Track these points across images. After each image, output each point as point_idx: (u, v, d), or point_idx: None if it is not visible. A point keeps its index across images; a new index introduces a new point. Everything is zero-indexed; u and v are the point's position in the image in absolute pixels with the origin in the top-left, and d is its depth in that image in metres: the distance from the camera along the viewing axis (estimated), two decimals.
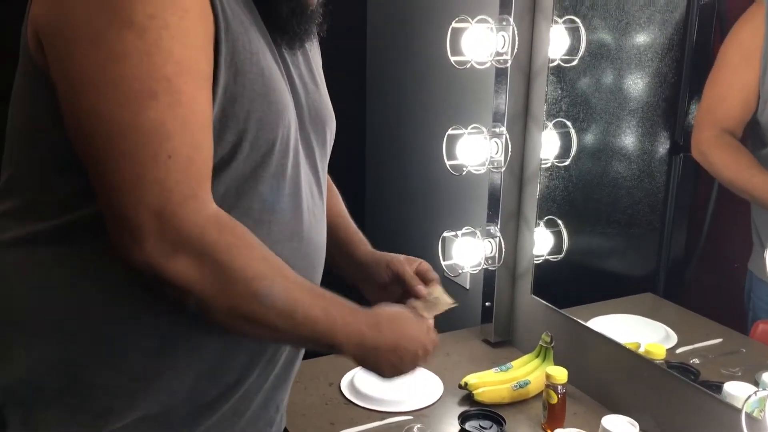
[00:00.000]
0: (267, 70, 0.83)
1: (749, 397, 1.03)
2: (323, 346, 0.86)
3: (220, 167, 0.80)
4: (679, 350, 1.39)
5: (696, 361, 1.35)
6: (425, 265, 1.16)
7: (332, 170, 2.31)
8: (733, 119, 1.31)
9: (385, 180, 2.21)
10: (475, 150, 1.53)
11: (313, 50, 1.02)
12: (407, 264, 1.14)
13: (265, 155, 0.84)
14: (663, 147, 1.54)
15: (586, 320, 1.48)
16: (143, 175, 0.72)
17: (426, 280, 1.13)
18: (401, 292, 1.12)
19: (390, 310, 0.95)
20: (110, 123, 0.72)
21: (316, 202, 0.95)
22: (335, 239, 1.13)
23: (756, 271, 1.30)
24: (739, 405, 1.17)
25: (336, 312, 0.85)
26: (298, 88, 0.92)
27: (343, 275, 1.17)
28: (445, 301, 1.10)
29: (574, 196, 1.60)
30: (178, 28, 0.73)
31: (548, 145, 1.52)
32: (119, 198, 0.73)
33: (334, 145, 2.16)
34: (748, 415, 1.03)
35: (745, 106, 1.28)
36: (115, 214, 0.74)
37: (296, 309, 0.81)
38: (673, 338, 1.43)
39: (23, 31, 0.82)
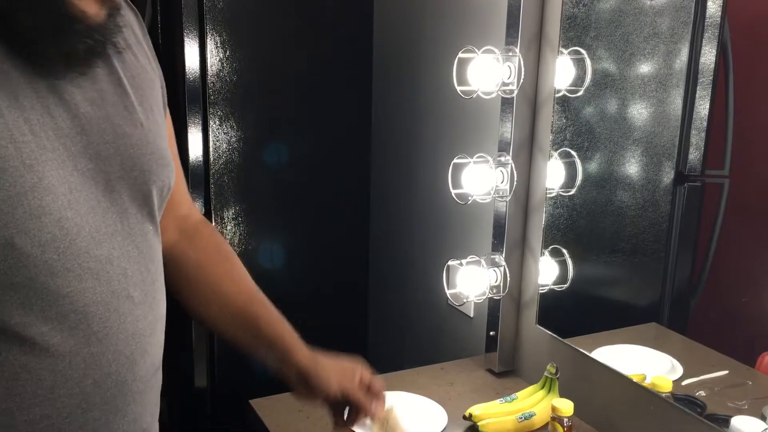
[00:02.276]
0: None
1: None
2: None
3: None
4: (684, 382, 1.38)
5: (702, 393, 1.33)
6: (373, 383, 1.05)
7: (337, 198, 2.30)
8: None
9: (391, 208, 2.21)
10: (480, 179, 1.52)
11: (136, 71, 0.81)
12: (353, 381, 1.02)
13: (6, 256, 0.65)
14: (667, 177, 1.54)
15: (591, 350, 1.47)
16: None
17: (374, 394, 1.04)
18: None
19: None
20: None
21: (132, 282, 0.76)
22: (254, 332, 0.98)
23: None
24: None
25: None
26: (95, 136, 0.73)
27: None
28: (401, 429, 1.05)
29: (578, 225, 1.59)
30: None
31: (553, 175, 1.52)
32: None
33: (340, 172, 2.14)
34: None
35: None
36: None
37: None
38: (679, 370, 1.41)
39: None
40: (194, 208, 1.06)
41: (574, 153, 1.51)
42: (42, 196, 0.66)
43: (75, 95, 0.72)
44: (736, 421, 1.21)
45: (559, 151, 1.52)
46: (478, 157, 1.52)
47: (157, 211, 0.83)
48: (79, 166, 0.71)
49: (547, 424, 1.36)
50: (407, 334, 2.17)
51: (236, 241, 1.90)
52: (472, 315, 1.83)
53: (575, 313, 1.62)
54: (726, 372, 1.36)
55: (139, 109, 0.79)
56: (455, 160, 1.51)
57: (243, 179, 1.87)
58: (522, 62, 1.47)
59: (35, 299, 0.67)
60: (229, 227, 1.88)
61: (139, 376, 0.78)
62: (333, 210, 2.09)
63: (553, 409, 1.31)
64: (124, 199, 0.76)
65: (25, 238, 0.65)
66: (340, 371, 1.02)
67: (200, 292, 0.99)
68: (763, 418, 1.20)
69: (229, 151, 1.83)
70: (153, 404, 0.83)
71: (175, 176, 0.89)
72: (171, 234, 0.98)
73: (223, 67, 1.78)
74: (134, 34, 0.84)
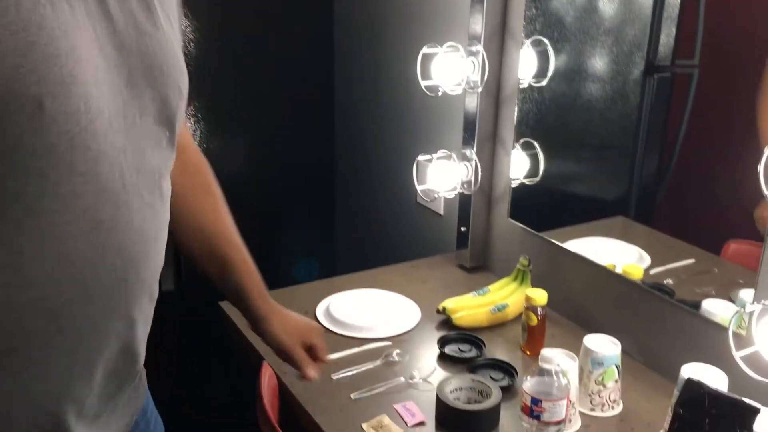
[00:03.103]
0: None
1: (736, 313, 1.03)
2: None
3: None
4: (652, 271, 1.40)
5: (669, 281, 1.35)
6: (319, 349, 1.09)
7: (299, 92, 2.22)
8: None
9: (357, 101, 2.14)
10: (451, 70, 1.47)
11: None
12: (296, 338, 1.08)
13: (32, 115, 0.64)
14: (637, 68, 1.52)
15: (562, 243, 1.48)
16: None
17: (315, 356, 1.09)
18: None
19: None
20: None
21: (144, 181, 0.76)
22: (223, 274, 1.03)
23: None
24: (718, 321, 1.18)
25: None
26: (120, 26, 0.72)
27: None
28: (396, 429, 1.09)
29: (549, 119, 1.57)
30: None
31: (526, 64, 1.48)
32: None
33: (303, 67, 2.06)
34: (735, 332, 1.03)
35: None
36: None
37: None
38: (647, 260, 1.43)
39: None
40: (186, 128, 1.05)
41: (546, 41, 1.47)
42: (74, 65, 0.66)
43: None
44: (707, 303, 1.23)
45: (531, 39, 1.47)
46: (448, 47, 1.46)
47: (176, 119, 0.81)
48: (105, 50, 0.70)
49: (520, 315, 1.37)
50: (376, 233, 2.16)
51: (197, 140, 1.82)
52: (441, 212, 1.81)
53: (545, 207, 1.62)
54: (692, 260, 1.38)
55: (160, 14, 0.78)
56: (424, 50, 1.46)
57: (201, 72, 1.77)
58: None
59: (52, 171, 0.67)
60: (188, 124, 1.80)
61: (140, 278, 0.77)
62: (297, 106, 2.01)
63: (527, 298, 1.31)
64: (145, 97, 0.75)
65: (53, 102, 0.65)
66: (290, 327, 1.07)
67: (182, 224, 1.00)
68: (731, 302, 1.22)
69: (183, 42, 1.71)
70: (147, 317, 0.83)
71: None
72: None
73: None
74: None
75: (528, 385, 1.00)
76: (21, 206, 0.66)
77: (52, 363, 0.72)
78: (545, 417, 0.98)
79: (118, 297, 0.75)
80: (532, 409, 0.98)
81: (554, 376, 0.99)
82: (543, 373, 1.00)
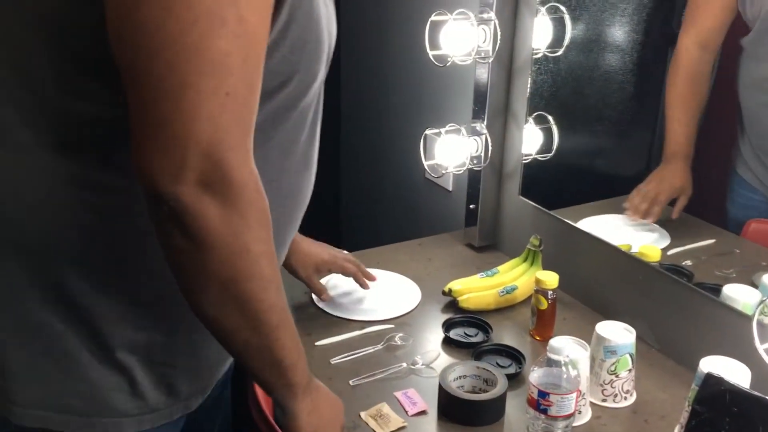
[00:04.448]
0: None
1: (761, 302, 0.96)
2: (272, 374, 0.80)
3: (264, 97, 0.73)
4: (671, 252, 1.33)
5: (688, 263, 1.29)
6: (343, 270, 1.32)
7: None
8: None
9: (362, 72, 2.07)
10: (461, 38, 1.41)
11: None
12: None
13: (308, 86, 0.79)
14: (659, 37, 1.45)
15: (575, 222, 1.42)
16: (199, 109, 0.64)
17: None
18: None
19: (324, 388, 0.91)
20: (174, 43, 0.62)
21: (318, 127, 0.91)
22: None
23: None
24: (740, 308, 1.11)
25: (302, 352, 0.82)
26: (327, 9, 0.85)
27: None
28: (396, 419, 1.06)
29: (565, 91, 1.50)
30: None
31: (540, 33, 1.41)
32: (166, 127, 0.65)
33: None
34: (759, 322, 0.96)
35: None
36: (155, 141, 0.66)
37: (282, 318, 0.76)
38: (666, 239, 1.37)
39: None
40: None
41: (563, 8, 1.39)
42: (330, 44, 0.86)
43: None
44: (728, 289, 1.16)
45: (546, 6, 1.39)
46: (458, 14, 1.39)
47: None
48: None
49: (529, 298, 1.31)
50: (382, 210, 2.10)
51: None
52: (450, 188, 1.75)
53: (559, 184, 1.56)
54: (713, 241, 1.32)
55: None
56: (433, 18, 1.39)
57: None
58: None
59: (305, 116, 0.83)
60: None
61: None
62: None
63: (537, 281, 1.24)
64: None
65: (320, 75, 0.83)
66: (308, 261, 1.28)
67: None
68: (752, 285, 1.16)
69: None
70: None
71: None
72: None
73: None
74: None
75: (535, 376, 0.94)
76: (278, 150, 0.79)
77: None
78: (553, 411, 0.92)
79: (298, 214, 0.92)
80: (539, 403, 0.93)
81: (563, 368, 0.93)
82: (551, 363, 0.94)
